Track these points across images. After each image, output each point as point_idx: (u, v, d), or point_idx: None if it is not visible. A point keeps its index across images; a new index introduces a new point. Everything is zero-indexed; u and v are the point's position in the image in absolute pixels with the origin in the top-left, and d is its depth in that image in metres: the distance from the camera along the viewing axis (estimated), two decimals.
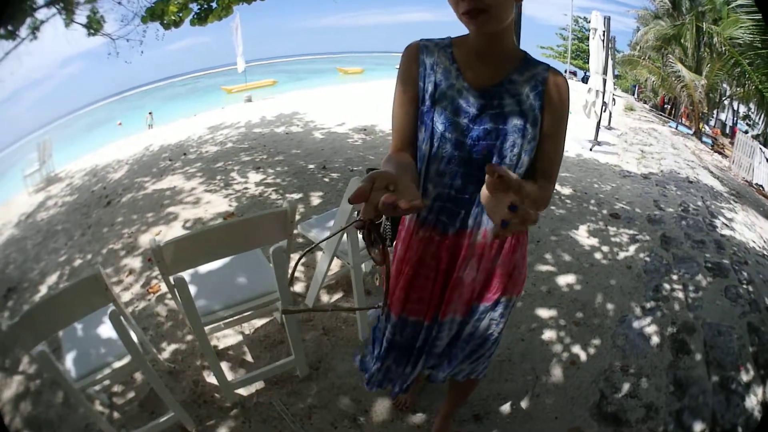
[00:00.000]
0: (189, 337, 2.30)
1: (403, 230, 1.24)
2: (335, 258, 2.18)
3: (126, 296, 2.70)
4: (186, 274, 1.68)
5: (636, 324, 2.50)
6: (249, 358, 2.18)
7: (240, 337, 2.30)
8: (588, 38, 7.70)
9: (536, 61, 1.07)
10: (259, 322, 2.37)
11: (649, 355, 2.27)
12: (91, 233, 3.81)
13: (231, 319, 1.93)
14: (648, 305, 2.68)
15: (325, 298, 2.55)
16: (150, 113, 11.24)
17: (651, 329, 2.46)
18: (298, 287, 2.67)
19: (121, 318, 1.54)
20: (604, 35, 6.70)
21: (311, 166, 4.83)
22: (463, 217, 1.12)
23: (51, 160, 6.74)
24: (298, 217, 1.71)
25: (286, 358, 1.98)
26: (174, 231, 3.53)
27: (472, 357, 1.33)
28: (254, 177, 4.56)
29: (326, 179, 4.43)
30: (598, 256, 3.20)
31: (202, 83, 19.46)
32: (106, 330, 1.70)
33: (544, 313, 2.52)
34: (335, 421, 1.85)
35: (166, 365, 2.15)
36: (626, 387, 2.07)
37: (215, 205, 3.92)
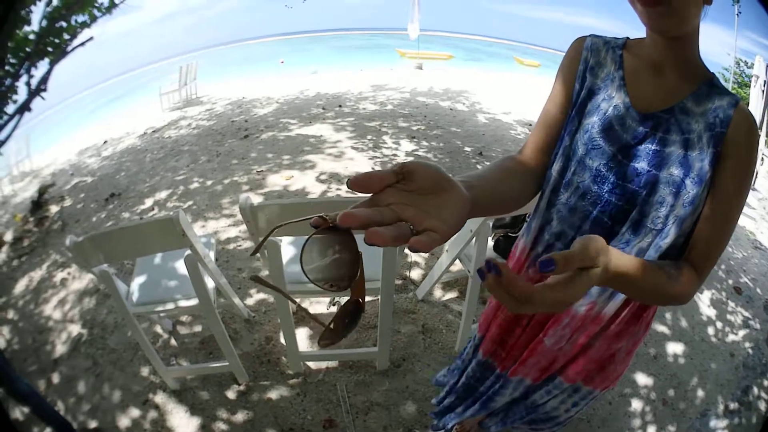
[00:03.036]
0: None
1: (511, 260, 1.04)
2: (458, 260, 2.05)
3: (233, 232, 2.76)
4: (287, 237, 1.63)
5: (713, 424, 2.31)
6: None
7: (334, 309, 2.27)
8: (747, 84, 6.93)
9: (724, 90, 0.75)
10: None
11: None
12: (218, 161, 3.85)
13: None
14: (732, 406, 2.45)
15: (437, 293, 2.47)
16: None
17: None
18: (415, 274, 2.60)
19: (198, 264, 1.53)
20: (765, 85, 5.94)
21: (467, 149, 4.57)
22: None
23: (194, 83, 6.88)
24: None
25: (369, 348, 1.94)
26: (307, 179, 3.50)
27: (532, 425, 1.18)
28: (406, 145, 4.42)
29: (479, 166, 4.17)
30: (710, 330, 2.92)
31: (377, 41, 18.69)
32: (182, 267, 1.63)
33: (641, 379, 2.35)
34: (390, 426, 1.81)
35: (246, 313, 2.17)
36: None
37: (357, 163, 3.83)
